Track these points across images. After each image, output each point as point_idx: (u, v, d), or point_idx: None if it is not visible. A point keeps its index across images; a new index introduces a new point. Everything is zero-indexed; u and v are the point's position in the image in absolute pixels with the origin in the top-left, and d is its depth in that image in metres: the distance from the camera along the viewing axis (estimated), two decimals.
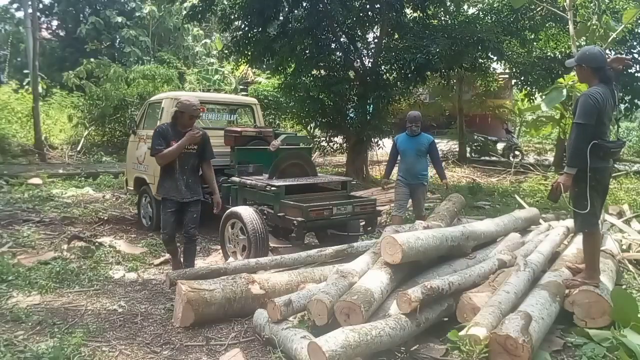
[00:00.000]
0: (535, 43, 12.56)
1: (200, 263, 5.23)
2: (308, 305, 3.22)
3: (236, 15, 10.80)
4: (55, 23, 25.99)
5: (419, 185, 5.73)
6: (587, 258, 3.65)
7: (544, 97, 5.53)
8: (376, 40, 11.38)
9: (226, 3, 11.13)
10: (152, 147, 4.23)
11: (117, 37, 23.74)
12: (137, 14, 23.84)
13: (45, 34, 24.91)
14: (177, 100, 4.37)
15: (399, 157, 5.87)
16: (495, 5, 11.75)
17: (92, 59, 17.95)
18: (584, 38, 6.28)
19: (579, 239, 4.13)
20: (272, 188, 5.02)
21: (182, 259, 4.54)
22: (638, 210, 7.07)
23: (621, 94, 12.66)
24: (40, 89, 15.04)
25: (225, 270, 4.07)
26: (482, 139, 16.68)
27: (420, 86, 12.67)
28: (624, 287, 4.16)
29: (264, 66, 14.67)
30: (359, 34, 11.46)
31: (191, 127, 4.30)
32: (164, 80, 16.32)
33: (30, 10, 15.42)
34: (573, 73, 4.65)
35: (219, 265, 4.41)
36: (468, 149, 16.67)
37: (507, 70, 16.02)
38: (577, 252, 4.15)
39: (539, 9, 10.22)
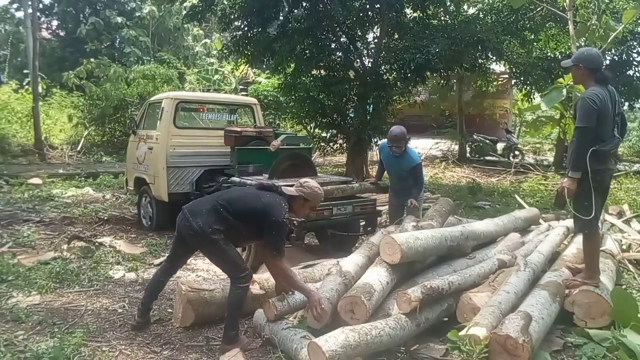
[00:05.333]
0: (535, 43, 12.54)
1: (200, 263, 5.23)
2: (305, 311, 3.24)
3: (236, 15, 10.78)
4: (55, 23, 26.00)
5: (411, 193, 5.24)
6: (587, 258, 3.65)
7: (543, 97, 5.53)
8: (376, 40, 11.36)
9: (226, 3, 11.10)
10: (278, 244, 3.24)
11: (117, 37, 23.73)
12: (137, 14, 23.84)
13: (45, 34, 24.89)
14: (309, 187, 3.37)
15: None
16: (495, 5, 11.73)
17: (92, 59, 17.97)
18: (584, 38, 6.28)
19: (579, 239, 4.13)
20: None
21: None
22: (638, 210, 7.07)
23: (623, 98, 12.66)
24: (40, 89, 15.07)
25: None
26: (482, 139, 16.66)
27: (420, 86, 12.66)
28: (624, 287, 4.16)
29: (264, 66, 14.66)
30: (359, 34, 11.44)
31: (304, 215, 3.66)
32: (164, 80, 16.31)
33: (30, 10, 15.41)
34: None
35: None
36: (468, 149, 16.67)
37: (507, 71, 16.02)
38: (577, 252, 4.15)
39: (539, 9, 10.21)
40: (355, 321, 3.06)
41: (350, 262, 3.68)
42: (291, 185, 3.47)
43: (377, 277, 3.35)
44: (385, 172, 5.60)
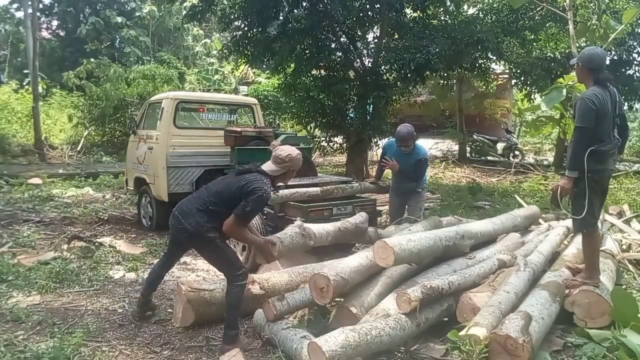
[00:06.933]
0: (535, 43, 12.54)
1: (200, 263, 5.23)
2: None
3: (236, 15, 10.78)
4: (55, 23, 25.96)
5: (412, 193, 5.34)
6: (586, 258, 3.66)
7: (543, 97, 5.53)
8: (376, 40, 11.36)
9: (226, 3, 11.09)
10: (247, 215, 3.18)
11: (117, 37, 23.72)
12: (137, 14, 23.84)
13: (45, 34, 24.87)
14: (289, 158, 3.35)
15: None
16: (495, 6, 11.73)
17: (92, 59, 17.96)
18: (584, 38, 6.27)
19: (578, 239, 4.14)
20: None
21: None
22: (638, 210, 7.07)
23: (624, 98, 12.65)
24: (40, 89, 15.04)
25: None
26: (482, 139, 16.66)
27: (420, 86, 12.65)
28: (624, 287, 4.16)
29: (264, 66, 14.66)
30: (359, 34, 11.44)
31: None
32: (164, 80, 16.31)
33: (30, 10, 15.40)
34: (573, 73, 4.66)
35: None
36: (468, 149, 16.67)
37: (506, 70, 16.00)
38: (577, 252, 4.15)
39: (539, 9, 10.21)
40: (324, 297, 3.21)
41: (316, 225, 3.97)
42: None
43: (359, 259, 3.59)
44: (387, 171, 5.60)
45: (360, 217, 4.30)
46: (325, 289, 3.21)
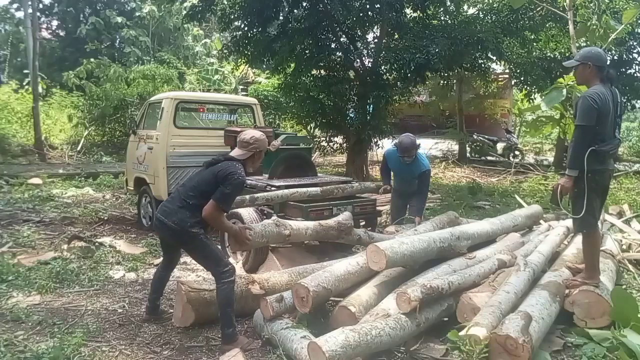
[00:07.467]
0: (535, 43, 12.55)
1: None
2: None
3: (236, 15, 10.79)
4: (55, 23, 25.99)
5: (414, 194, 5.28)
6: (586, 258, 3.66)
7: (543, 97, 5.53)
8: (376, 40, 11.38)
9: (226, 3, 11.10)
10: (227, 199, 3.23)
11: (117, 37, 23.73)
12: (137, 14, 23.82)
13: (45, 34, 24.89)
14: (255, 139, 3.41)
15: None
16: (495, 6, 11.73)
17: (92, 59, 17.95)
18: (584, 38, 6.27)
19: (578, 239, 4.13)
20: (272, 188, 5.03)
21: None
22: (638, 210, 7.07)
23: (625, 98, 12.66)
24: (40, 89, 15.04)
25: None
26: (482, 139, 16.65)
27: (420, 86, 12.66)
28: (624, 287, 4.16)
29: (264, 66, 14.67)
30: (359, 34, 11.45)
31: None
32: (164, 80, 16.31)
33: (30, 10, 15.41)
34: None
35: None
36: (468, 149, 16.67)
37: (506, 70, 16.01)
38: (577, 252, 4.15)
39: (539, 9, 10.20)
40: (305, 306, 3.24)
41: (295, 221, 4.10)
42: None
43: (347, 265, 3.62)
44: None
45: (343, 215, 4.30)
46: (305, 299, 3.23)
